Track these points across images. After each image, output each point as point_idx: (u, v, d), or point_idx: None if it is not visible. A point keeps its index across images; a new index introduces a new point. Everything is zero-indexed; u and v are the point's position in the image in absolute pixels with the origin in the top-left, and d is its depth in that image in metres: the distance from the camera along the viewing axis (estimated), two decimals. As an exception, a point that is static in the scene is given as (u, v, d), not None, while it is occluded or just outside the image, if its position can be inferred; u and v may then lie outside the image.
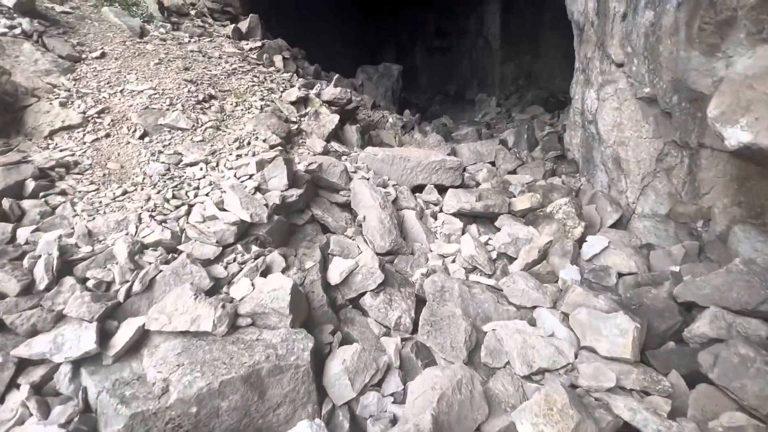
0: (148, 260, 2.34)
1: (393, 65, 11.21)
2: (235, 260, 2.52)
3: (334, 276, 2.78)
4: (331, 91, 5.09)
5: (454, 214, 4.02)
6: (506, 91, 14.56)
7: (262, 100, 4.36)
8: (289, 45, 10.34)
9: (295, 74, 6.01)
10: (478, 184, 4.96)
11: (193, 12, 7.17)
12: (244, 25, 7.26)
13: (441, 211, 4.13)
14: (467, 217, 4.09)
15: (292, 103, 4.52)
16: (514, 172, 5.31)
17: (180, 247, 2.49)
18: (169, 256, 2.44)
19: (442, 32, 17.76)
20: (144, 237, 2.46)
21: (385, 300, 2.73)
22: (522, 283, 2.81)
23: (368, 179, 3.96)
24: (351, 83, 10.47)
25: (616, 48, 4.09)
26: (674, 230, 3.56)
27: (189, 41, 5.53)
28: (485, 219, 4.15)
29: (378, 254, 3.25)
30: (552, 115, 8.73)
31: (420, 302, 2.92)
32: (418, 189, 4.43)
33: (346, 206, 3.74)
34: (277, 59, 6.12)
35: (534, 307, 2.79)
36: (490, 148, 5.57)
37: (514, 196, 4.47)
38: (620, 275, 3.17)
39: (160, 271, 2.36)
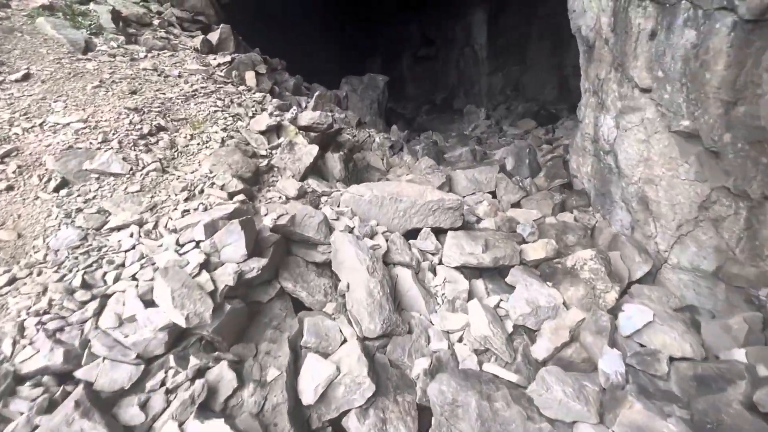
0: (19, 408, 1.51)
1: (378, 76, 10.45)
2: (162, 385, 1.72)
3: (308, 391, 1.99)
4: (308, 116, 4.30)
5: (458, 268, 3.29)
6: (494, 101, 13.96)
7: (224, 130, 3.53)
8: (270, 56, 9.51)
9: (269, 93, 5.19)
10: (479, 220, 4.23)
11: (157, 22, 6.28)
12: (214, 37, 6.40)
13: (441, 262, 3.39)
14: (472, 269, 3.36)
15: (262, 132, 3.72)
16: (518, 204, 4.60)
17: (79, 374, 1.68)
18: (59, 391, 1.62)
19: (428, 40, 17.09)
20: (22, 362, 1.65)
21: (377, 422, 1.97)
22: (558, 389, 2.07)
23: (353, 229, 3.18)
24: (335, 95, 9.69)
25: (641, 71, 3.41)
26: (725, 293, 2.89)
27: (145, 57, 4.67)
28: (493, 271, 3.42)
29: (366, 339, 2.48)
30: (546, 130, 8.11)
31: (423, 412, 2.16)
32: (412, 233, 3.68)
33: (326, 266, 2.96)
34: (249, 76, 5.28)
35: (574, 423, 2.07)
36: (489, 176, 4.85)
37: (524, 240, 3.75)
38: (672, 359, 2.47)
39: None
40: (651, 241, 3.45)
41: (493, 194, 4.81)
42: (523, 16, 12.98)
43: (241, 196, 2.81)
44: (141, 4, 7.06)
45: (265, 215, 2.81)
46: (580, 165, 4.70)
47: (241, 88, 4.80)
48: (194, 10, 9.20)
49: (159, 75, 4.17)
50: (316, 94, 6.14)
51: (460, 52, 14.85)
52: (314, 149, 3.77)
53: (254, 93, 4.78)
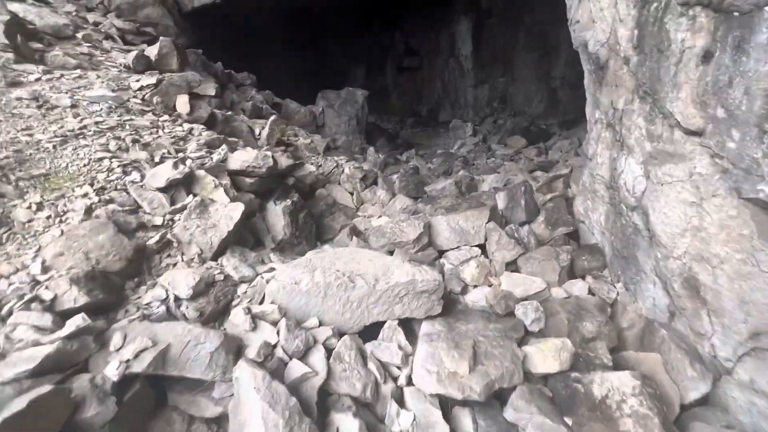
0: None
1: (358, 90, 9.33)
2: None
3: None
4: (241, 158, 3.16)
5: (435, 395, 2.20)
6: (480, 113, 12.92)
7: (102, 190, 2.39)
8: (238, 70, 8.36)
9: (205, 123, 4.04)
10: (465, 288, 3.13)
11: (81, 34, 5.08)
12: (153, 51, 5.22)
13: (410, 382, 2.29)
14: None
15: (163, 189, 2.59)
16: (514, 263, 3.52)
17: None
18: None
19: (412, 50, 16.02)
20: None
21: None
22: None
23: (274, 347, 2.02)
24: (309, 112, 8.55)
25: (685, 105, 2.34)
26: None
27: (37, 80, 3.50)
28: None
29: None
30: (538, 149, 7.06)
31: None
32: (372, 329, 2.57)
33: (224, 420, 1.84)
34: (182, 101, 4.11)
35: None
36: (477, 224, 3.76)
37: (526, 330, 2.67)
38: None
39: None
40: (704, 340, 2.39)
41: (483, 247, 3.72)
42: (508, 25, 11.96)
43: (79, 320, 1.67)
44: (74, 14, 5.86)
45: (119, 348, 1.67)
46: (588, 210, 3.63)
47: (164, 118, 3.64)
48: (148, 20, 8.00)
49: (38, 106, 3.00)
50: (271, 119, 4.97)
51: (444, 63, 13.80)
52: (237, 210, 2.63)
53: (180, 124, 3.62)
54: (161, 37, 5.28)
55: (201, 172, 2.75)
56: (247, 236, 2.84)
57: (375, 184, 5.12)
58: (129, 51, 5.22)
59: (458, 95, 13.54)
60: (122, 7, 7.98)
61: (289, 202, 3.32)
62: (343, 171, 5.06)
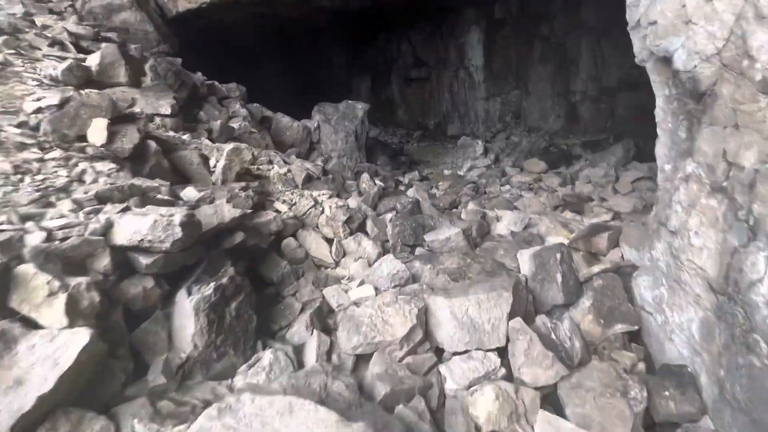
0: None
1: (357, 103, 8.10)
2: None
3: None
4: (132, 227, 1.92)
5: None
6: (492, 128, 11.60)
7: None
8: (227, 80, 7.22)
9: (127, 158, 2.83)
10: (476, 436, 1.87)
11: (1, 40, 3.95)
12: (94, 61, 4.07)
13: None
14: None
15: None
16: (554, 392, 2.22)
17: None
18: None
19: (419, 61, 14.76)
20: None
21: None
22: None
23: None
24: (303, 126, 7.35)
25: None
26: None
27: None
28: None
29: None
30: (562, 178, 5.68)
31: None
32: None
33: None
34: (96, 127, 2.86)
35: None
36: (495, 316, 2.47)
37: None
38: None
39: None
40: None
41: (503, 350, 2.45)
42: (523, 36, 10.63)
43: None
44: (18, 15, 4.75)
45: None
46: (664, 303, 2.33)
47: (53, 155, 2.46)
48: (125, 25, 6.91)
49: None
50: (228, 149, 3.73)
51: (454, 75, 12.52)
52: (74, 345, 1.41)
53: (73, 164, 2.43)
54: (104, 44, 4.12)
55: (25, 269, 1.53)
56: (112, 368, 1.61)
57: (363, 227, 3.87)
58: (65, 60, 4.08)
59: (468, 108, 12.24)
60: (95, 11, 6.90)
61: (210, 290, 2.09)
62: (322, 211, 3.82)
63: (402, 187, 6.18)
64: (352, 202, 4.17)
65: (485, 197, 5.33)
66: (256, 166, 4.24)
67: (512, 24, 10.70)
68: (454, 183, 6.12)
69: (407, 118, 15.27)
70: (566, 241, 3.07)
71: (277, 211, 3.49)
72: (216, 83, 6.30)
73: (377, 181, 5.25)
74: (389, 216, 3.99)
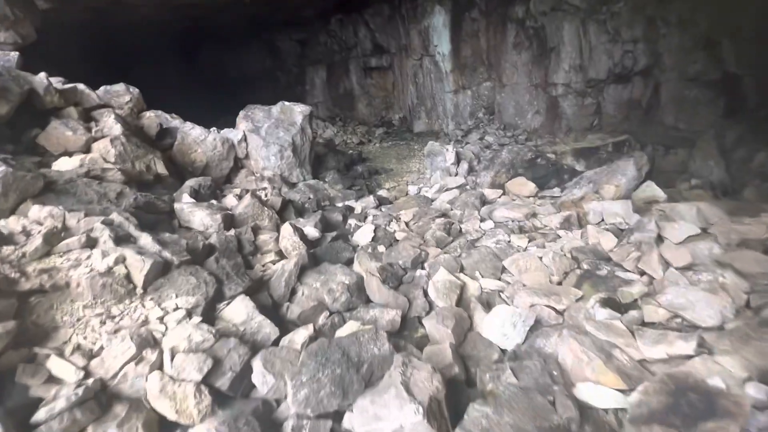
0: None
1: (296, 106, 6.42)
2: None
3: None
4: None
5: None
6: (463, 125, 10.19)
7: None
8: (127, 79, 5.34)
9: None
10: None
11: None
12: None
13: None
14: None
15: None
16: None
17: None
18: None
19: (380, 48, 13.09)
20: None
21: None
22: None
23: None
24: (223, 140, 5.64)
25: None
26: None
27: None
28: None
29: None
30: (564, 217, 4.21)
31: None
32: None
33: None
34: None
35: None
36: None
37: None
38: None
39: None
40: None
41: None
42: (494, 19, 9.21)
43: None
44: None
45: None
46: None
47: None
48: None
49: None
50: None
51: (418, 63, 10.98)
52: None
53: None
54: None
55: None
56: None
57: (248, 372, 2.26)
58: None
59: (435, 102, 10.78)
60: None
61: None
62: (161, 363, 2.11)
63: (352, 222, 4.65)
64: (238, 309, 2.34)
65: (461, 237, 3.89)
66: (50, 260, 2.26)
67: (482, 5, 9.23)
68: (420, 213, 4.64)
69: (369, 113, 13.64)
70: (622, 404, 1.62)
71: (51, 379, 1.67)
72: (82, 87, 4.45)
73: (311, 229, 3.68)
74: (301, 342, 2.22)
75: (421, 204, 5.17)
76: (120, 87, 5.29)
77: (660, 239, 2.77)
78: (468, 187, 5.29)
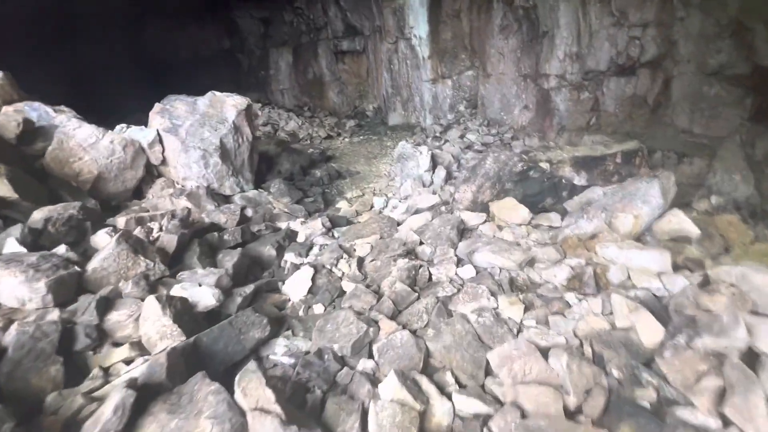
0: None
1: (230, 98, 5.03)
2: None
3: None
4: None
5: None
6: (442, 119, 8.97)
7: None
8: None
9: None
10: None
11: None
12: None
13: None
14: None
15: None
16: None
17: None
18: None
19: (352, 29, 11.66)
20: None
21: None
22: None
23: None
24: (127, 142, 4.30)
25: None
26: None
27: None
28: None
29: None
30: (570, 266, 3.10)
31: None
32: None
33: None
34: None
35: None
36: None
37: None
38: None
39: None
40: None
41: None
42: (479, -4, 7.92)
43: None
44: None
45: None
46: None
47: None
48: None
49: None
50: None
51: (393, 48, 9.62)
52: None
53: None
54: None
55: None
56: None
57: None
58: None
59: (412, 92, 9.50)
60: None
61: None
62: None
63: (290, 257, 3.44)
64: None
65: (429, 306, 2.71)
66: None
67: (465, -20, 7.93)
68: (381, 246, 3.45)
69: (341, 102, 12.25)
70: None
71: None
72: None
73: (204, 294, 2.45)
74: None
75: (385, 228, 3.97)
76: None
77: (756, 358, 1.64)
78: (443, 208, 4.12)
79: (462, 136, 7.58)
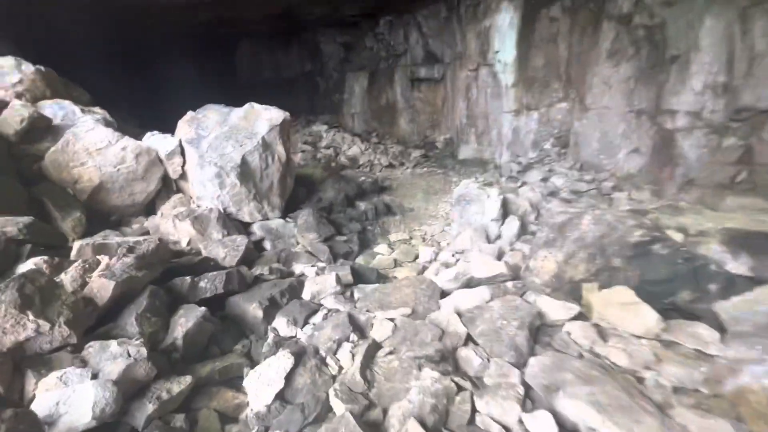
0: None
1: (267, 111, 4.28)
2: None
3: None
4: None
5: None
6: (522, 157, 7.52)
7: None
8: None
9: None
10: None
11: None
12: None
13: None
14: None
15: None
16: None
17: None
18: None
19: (432, 56, 10.90)
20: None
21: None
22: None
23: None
24: (141, 150, 3.75)
25: None
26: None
27: None
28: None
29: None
30: (709, 375, 1.70)
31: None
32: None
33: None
34: None
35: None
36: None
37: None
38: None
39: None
40: None
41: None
42: (585, 15, 6.52)
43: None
44: None
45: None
46: None
47: None
48: None
49: None
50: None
51: (473, 75, 8.55)
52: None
53: None
54: None
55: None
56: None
57: None
58: None
59: (489, 124, 8.24)
60: None
61: None
62: None
63: (281, 324, 2.41)
64: None
65: None
66: None
67: (567, -1, 6.63)
68: (406, 333, 2.24)
69: (411, 130, 11.40)
70: None
71: None
72: None
73: (83, 411, 1.42)
74: None
75: (421, 299, 2.76)
76: (6, 61, 3.57)
77: None
78: (510, 285, 2.77)
79: (545, 179, 6.09)
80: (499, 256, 3.39)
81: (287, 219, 4.29)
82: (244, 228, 3.98)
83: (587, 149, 6.37)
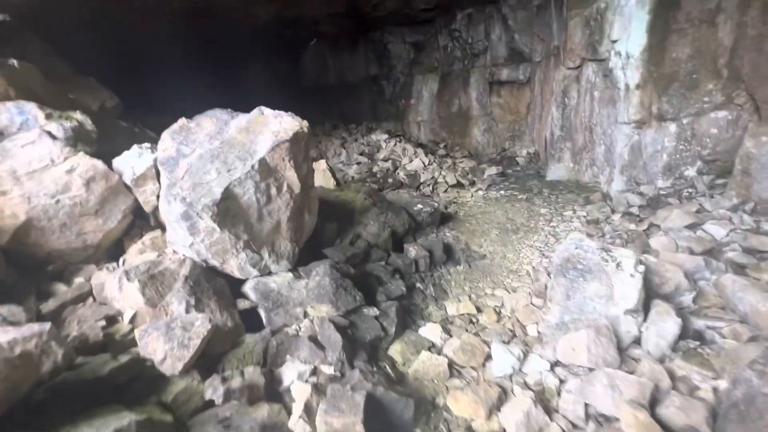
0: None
1: (278, 118, 2.95)
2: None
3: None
4: None
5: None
6: (644, 186, 5.25)
7: None
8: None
9: None
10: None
11: None
12: None
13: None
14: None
15: None
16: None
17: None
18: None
19: (517, 55, 9.02)
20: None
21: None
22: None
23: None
24: (99, 175, 2.61)
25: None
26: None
27: None
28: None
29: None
30: None
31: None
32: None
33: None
34: None
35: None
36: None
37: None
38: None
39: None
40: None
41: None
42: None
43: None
44: None
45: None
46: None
47: None
48: None
49: None
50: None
51: (574, 74, 6.50)
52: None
53: None
54: None
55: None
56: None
57: None
58: None
59: (594, 138, 6.16)
60: None
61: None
62: None
63: None
64: None
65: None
66: None
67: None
68: None
69: (486, 142, 9.59)
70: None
71: None
72: None
73: None
74: None
75: None
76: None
77: None
78: None
79: (694, 226, 3.92)
80: (647, 395, 1.59)
81: (298, 274, 2.91)
82: (232, 289, 2.68)
83: (766, 182, 4.04)
